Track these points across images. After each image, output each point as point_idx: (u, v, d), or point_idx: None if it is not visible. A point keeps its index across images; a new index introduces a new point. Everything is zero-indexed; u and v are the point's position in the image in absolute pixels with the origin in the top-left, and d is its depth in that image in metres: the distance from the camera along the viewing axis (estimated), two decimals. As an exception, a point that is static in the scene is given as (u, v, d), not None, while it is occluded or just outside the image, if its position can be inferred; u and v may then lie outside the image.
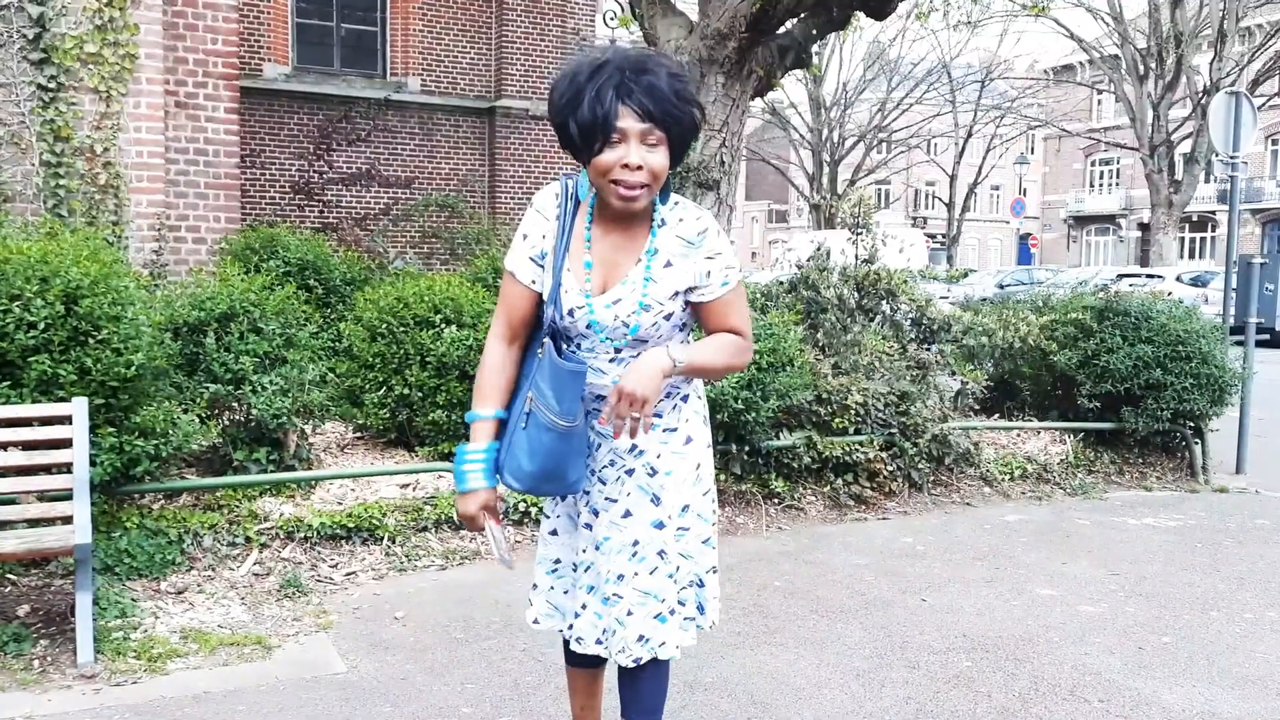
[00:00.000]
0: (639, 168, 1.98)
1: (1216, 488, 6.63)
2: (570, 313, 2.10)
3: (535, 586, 2.39)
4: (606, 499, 2.22)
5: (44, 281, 3.90)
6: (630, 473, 2.20)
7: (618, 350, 2.13)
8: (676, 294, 2.12)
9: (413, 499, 4.81)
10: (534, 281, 2.16)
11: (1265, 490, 6.65)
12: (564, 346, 2.15)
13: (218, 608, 3.91)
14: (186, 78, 7.52)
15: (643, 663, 2.20)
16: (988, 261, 50.22)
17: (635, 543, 2.19)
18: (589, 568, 2.26)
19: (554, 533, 2.36)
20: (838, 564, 4.72)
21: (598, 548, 2.23)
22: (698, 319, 2.20)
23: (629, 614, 2.18)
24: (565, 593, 2.35)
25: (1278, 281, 7.46)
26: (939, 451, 5.98)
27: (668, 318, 2.12)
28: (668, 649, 2.20)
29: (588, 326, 2.11)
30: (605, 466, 2.22)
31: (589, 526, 2.25)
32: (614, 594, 2.20)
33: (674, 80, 2.01)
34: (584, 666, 2.44)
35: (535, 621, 2.38)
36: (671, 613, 2.21)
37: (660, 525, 2.20)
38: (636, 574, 2.18)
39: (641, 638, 2.18)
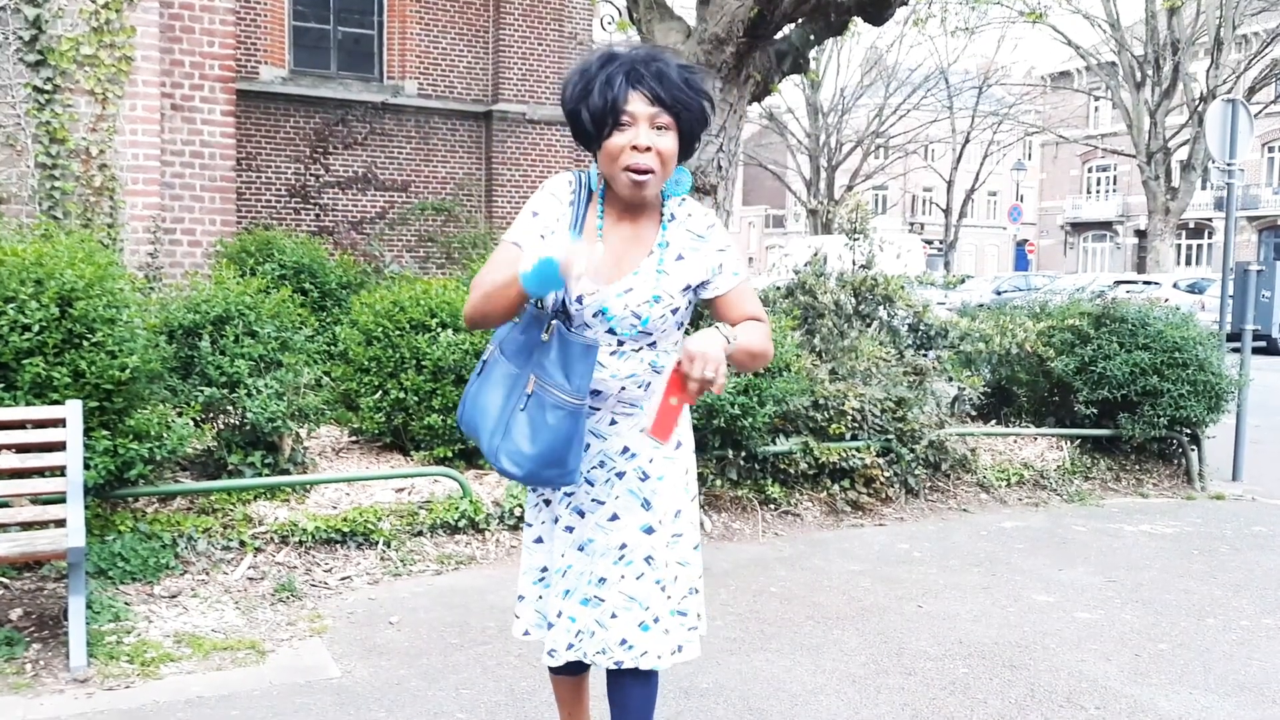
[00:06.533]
0: (647, 149, 2.00)
1: (1213, 494, 6.63)
2: (579, 299, 2.07)
3: (522, 598, 2.34)
4: (594, 500, 2.19)
5: (39, 284, 3.89)
6: (621, 475, 2.19)
7: (620, 343, 2.11)
8: (687, 288, 2.14)
9: (408, 503, 4.80)
10: None
11: (1261, 497, 6.66)
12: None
13: (211, 612, 3.89)
14: (183, 80, 7.51)
15: (623, 667, 2.17)
16: (985, 267, 50.28)
17: (622, 546, 2.17)
18: (565, 572, 2.22)
19: (539, 540, 2.31)
20: (834, 570, 4.71)
21: (580, 549, 2.20)
22: (717, 314, 2.20)
23: (612, 616, 2.16)
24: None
25: (1274, 289, 7.45)
26: (936, 458, 5.98)
27: (674, 311, 2.13)
28: (650, 659, 2.17)
29: (595, 315, 2.08)
30: (594, 468, 2.19)
31: (570, 529, 2.22)
32: (595, 596, 2.17)
33: (684, 70, 2.05)
34: (568, 674, 2.41)
35: (525, 634, 2.34)
36: (656, 621, 2.17)
37: (650, 530, 2.18)
38: (623, 577, 2.16)
39: (624, 642, 2.16)
